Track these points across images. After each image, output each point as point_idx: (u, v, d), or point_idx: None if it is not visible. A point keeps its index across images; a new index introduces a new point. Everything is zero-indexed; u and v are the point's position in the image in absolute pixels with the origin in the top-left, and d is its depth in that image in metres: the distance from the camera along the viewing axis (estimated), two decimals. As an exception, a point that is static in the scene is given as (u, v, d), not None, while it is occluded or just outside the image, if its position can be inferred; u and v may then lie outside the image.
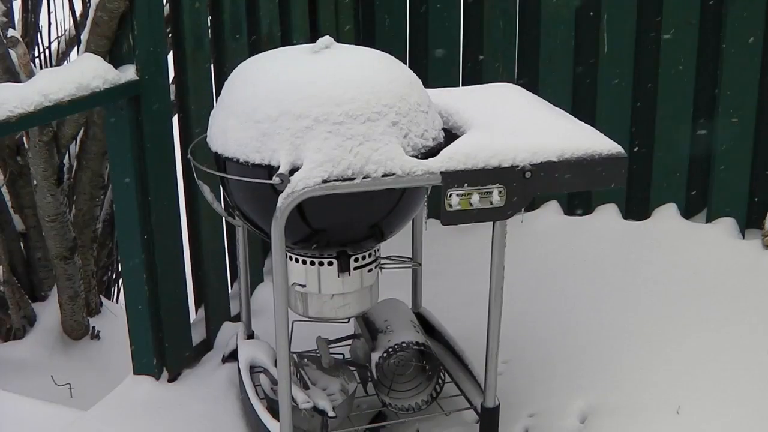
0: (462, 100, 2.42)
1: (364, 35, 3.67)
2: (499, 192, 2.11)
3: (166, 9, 2.68)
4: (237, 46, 2.91)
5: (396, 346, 2.42)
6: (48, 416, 2.71)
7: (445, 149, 2.12)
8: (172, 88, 2.78)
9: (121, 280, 3.99)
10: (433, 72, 3.62)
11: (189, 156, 2.42)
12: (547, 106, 2.47)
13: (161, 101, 2.56)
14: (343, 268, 2.28)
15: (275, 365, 2.39)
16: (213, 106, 2.33)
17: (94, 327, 3.62)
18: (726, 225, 3.42)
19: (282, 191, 2.02)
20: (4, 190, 3.54)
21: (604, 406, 2.55)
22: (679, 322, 2.91)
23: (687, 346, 2.78)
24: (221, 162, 2.20)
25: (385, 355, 2.42)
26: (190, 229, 2.89)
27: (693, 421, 2.45)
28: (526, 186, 2.12)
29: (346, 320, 2.44)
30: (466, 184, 2.09)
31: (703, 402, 2.52)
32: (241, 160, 2.11)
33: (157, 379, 2.72)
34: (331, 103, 2.05)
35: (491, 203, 2.12)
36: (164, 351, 2.72)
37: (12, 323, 3.52)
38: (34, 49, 3.75)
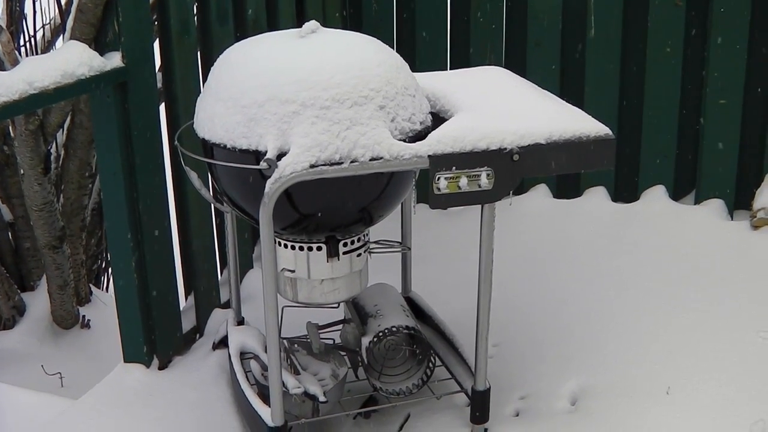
0: (449, 84, 2.42)
1: (351, 19, 3.66)
2: (488, 175, 2.11)
3: (152, -5, 2.67)
4: (223, 32, 2.89)
5: (386, 331, 2.42)
6: (39, 405, 2.71)
7: (433, 132, 2.12)
8: (159, 75, 2.77)
9: (110, 269, 3.98)
10: (420, 56, 3.62)
11: (176, 143, 2.42)
12: (534, 88, 2.47)
13: (148, 88, 2.55)
14: (332, 253, 2.28)
15: (265, 351, 2.39)
16: (200, 93, 2.32)
17: (84, 316, 3.61)
18: (714, 206, 3.43)
19: (270, 176, 2.01)
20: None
21: (594, 387, 2.56)
22: (668, 303, 2.92)
23: (676, 327, 2.79)
24: (208, 148, 2.20)
25: (375, 339, 2.42)
26: (178, 216, 2.88)
27: (683, 402, 2.46)
28: (515, 169, 2.12)
29: (336, 305, 2.44)
30: (454, 168, 2.09)
31: (693, 382, 2.53)
32: (228, 146, 2.11)
33: (148, 366, 2.72)
34: (317, 88, 2.04)
35: (479, 186, 2.12)
36: (154, 339, 2.72)
37: (1, 313, 3.51)
38: (19, 38, 3.73)
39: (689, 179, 3.51)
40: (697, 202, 3.48)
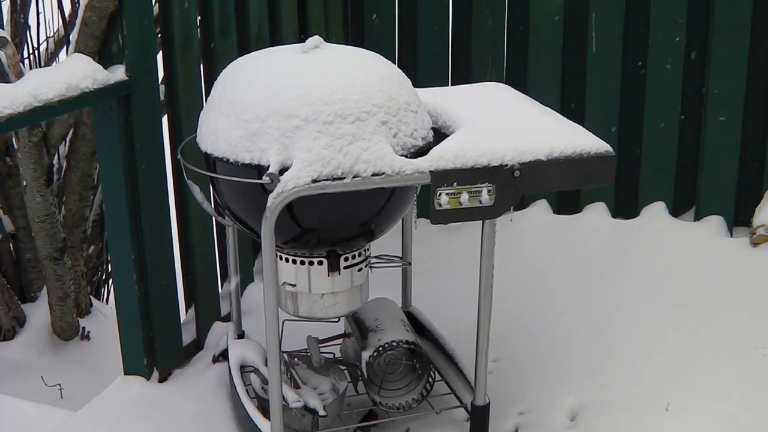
0: (451, 100, 2.43)
1: (354, 35, 3.68)
2: (488, 191, 2.12)
3: (156, 9, 2.68)
4: (226, 46, 2.91)
5: (386, 345, 2.43)
6: (38, 417, 2.71)
7: (435, 148, 2.13)
8: (162, 88, 2.78)
9: (111, 281, 3.98)
10: (422, 71, 3.63)
11: (179, 156, 2.42)
12: (535, 105, 2.48)
13: (151, 101, 2.56)
14: (333, 268, 2.28)
15: (266, 365, 2.39)
16: (202, 106, 2.33)
17: (84, 328, 3.61)
18: (714, 223, 3.44)
19: (272, 191, 2.02)
20: (-6, 191, 3.53)
21: (593, 403, 2.56)
22: (667, 319, 2.92)
23: (675, 343, 2.80)
24: (211, 162, 2.21)
25: (375, 353, 2.42)
26: (180, 229, 2.89)
27: (682, 418, 2.46)
28: (515, 185, 2.13)
29: (337, 319, 2.44)
30: (455, 183, 2.10)
31: (692, 398, 2.53)
32: (230, 160, 2.12)
33: (148, 379, 2.72)
34: (320, 103, 2.05)
35: (480, 202, 2.13)
36: (155, 351, 2.72)
37: (1, 324, 3.51)
38: (23, 50, 3.74)
39: (689, 196, 3.51)
40: (697, 218, 3.49)
